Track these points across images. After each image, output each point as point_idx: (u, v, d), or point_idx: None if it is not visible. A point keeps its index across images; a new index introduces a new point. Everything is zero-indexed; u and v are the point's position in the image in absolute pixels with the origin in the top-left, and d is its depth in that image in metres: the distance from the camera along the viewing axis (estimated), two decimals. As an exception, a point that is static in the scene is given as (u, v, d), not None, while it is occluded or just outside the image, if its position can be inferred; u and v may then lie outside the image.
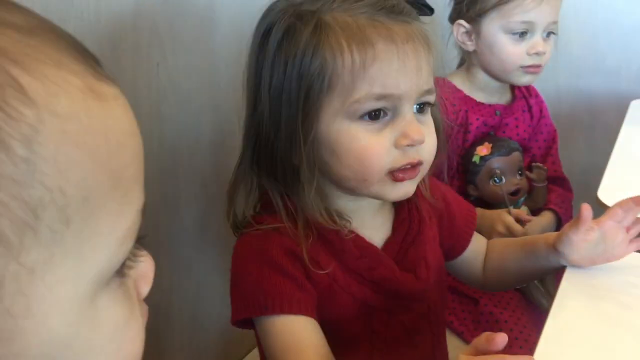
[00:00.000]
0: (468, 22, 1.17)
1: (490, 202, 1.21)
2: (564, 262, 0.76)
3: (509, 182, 1.19)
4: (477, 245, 0.86)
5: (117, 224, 0.30)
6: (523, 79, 1.20)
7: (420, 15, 0.70)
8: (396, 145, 0.65)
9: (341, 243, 0.70)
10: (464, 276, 0.89)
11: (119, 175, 0.30)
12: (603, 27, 1.62)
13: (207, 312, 1.08)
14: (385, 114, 0.65)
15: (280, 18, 0.66)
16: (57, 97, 0.27)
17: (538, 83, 1.68)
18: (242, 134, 0.71)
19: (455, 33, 1.19)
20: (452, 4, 1.22)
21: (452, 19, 1.21)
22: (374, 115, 0.64)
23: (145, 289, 0.35)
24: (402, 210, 0.76)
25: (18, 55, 0.27)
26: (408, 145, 0.65)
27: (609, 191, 1.00)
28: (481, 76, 1.23)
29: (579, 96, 1.69)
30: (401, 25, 0.65)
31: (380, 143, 0.65)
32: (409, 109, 0.66)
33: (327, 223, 0.68)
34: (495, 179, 1.18)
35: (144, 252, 0.34)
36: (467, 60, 1.25)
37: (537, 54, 1.16)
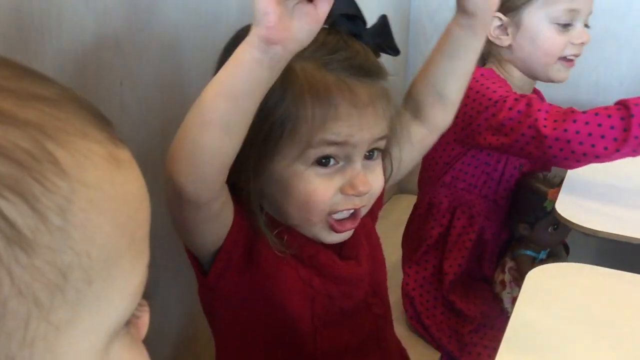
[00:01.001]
0: (504, 13, 1.11)
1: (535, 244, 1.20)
2: (473, 22, 0.75)
3: (564, 230, 1.15)
4: (410, 133, 0.84)
5: (130, 280, 0.32)
6: (562, 75, 1.17)
7: (347, 26, 0.70)
8: (342, 192, 0.70)
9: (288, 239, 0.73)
10: (434, 129, 0.86)
11: (134, 236, 0.32)
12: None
13: (173, 323, 1.08)
14: (337, 161, 0.69)
15: None
16: (85, 168, 0.30)
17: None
18: None
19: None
20: None
21: None
22: (325, 161, 0.69)
23: (144, 331, 0.37)
24: None
25: (51, 129, 0.29)
26: (353, 194, 0.70)
27: (567, 203, 1.03)
28: (517, 73, 1.18)
29: (540, 106, 1.73)
30: (366, 87, 0.68)
31: (328, 188, 0.69)
32: (358, 158, 0.70)
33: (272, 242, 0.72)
34: (555, 226, 1.14)
35: (144, 301, 0.36)
36: (494, 57, 1.18)
37: (582, 43, 1.14)
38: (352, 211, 0.72)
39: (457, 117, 1.06)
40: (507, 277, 1.23)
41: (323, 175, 0.69)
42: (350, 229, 0.73)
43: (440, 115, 0.84)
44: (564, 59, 1.15)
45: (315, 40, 0.62)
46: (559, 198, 1.03)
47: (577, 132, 0.95)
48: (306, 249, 0.74)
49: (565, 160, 0.98)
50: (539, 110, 0.98)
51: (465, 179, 1.19)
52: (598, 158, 0.96)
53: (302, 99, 0.66)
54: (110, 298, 0.31)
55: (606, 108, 0.96)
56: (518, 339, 0.71)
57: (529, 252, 1.21)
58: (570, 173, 1.10)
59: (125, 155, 0.33)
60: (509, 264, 1.22)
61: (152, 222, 0.35)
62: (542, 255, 1.22)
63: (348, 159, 0.69)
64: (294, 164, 0.68)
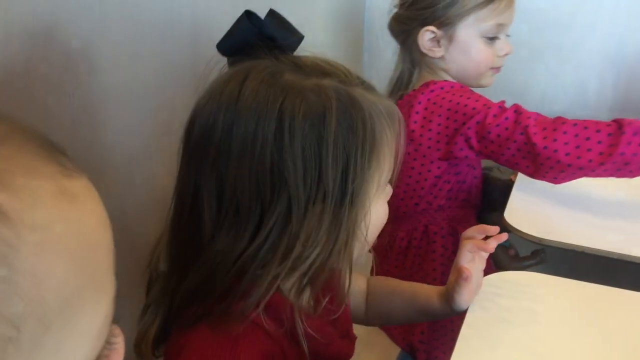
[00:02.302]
0: (438, 27, 1.15)
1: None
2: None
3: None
4: (356, 284, 0.89)
5: (94, 318, 0.30)
6: (490, 80, 1.22)
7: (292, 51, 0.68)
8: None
9: (304, 327, 0.64)
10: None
11: (95, 272, 0.30)
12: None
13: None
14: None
15: (324, 99, 0.60)
16: (32, 210, 0.28)
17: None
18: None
19: (420, 40, 1.16)
20: (410, 9, 1.18)
21: (412, 25, 1.17)
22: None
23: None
24: None
25: None
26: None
27: (515, 212, 1.06)
28: (451, 80, 1.20)
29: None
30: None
31: (386, 206, 0.70)
32: None
33: (310, 304, 0.68)
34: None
35: (118, 331, 0.34)
36: (426, 66, 1.21)
37: (506, 54, 1.18)
38: None
39: (438, 133, 1.10)
40: None
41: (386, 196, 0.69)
42: None
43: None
44: (494, 68, 1.21)
45: (337, 71, 0.63)
46: (507, 208, 1.06)
47: (566, 143, 0.97)
48: (323, 339, 0.67)
49: (550, 170, 1.00)
50: (528, 117, 1.01)
51: (458, 196, 1.21)
52: (582, 170, 0.98)
53: (382, 125, 0.63)
54: (73, 341, 0.29)
55: (596, 123, 0.98)
56: (470, 343, 0.73)
57: (501, 243, 1.24)
58: (518, 182, 1.13)
59: (79, 185, 0.31)
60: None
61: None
62: (507, 244, 1.26)
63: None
64: (377, 197, 0.66)
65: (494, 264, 1.23)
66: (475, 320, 0.79)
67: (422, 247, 1.22)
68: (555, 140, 0.97)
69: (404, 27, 1.20)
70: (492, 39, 1.16)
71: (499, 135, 1.02)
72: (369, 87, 0.65)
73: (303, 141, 0.58)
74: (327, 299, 0.67)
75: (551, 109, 1.74)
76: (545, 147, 0.97)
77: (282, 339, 0.63)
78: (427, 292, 0.87)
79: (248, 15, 0.65)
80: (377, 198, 0.65)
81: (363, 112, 0.60)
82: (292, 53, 0.66)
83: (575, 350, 0.73)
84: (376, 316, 0.91)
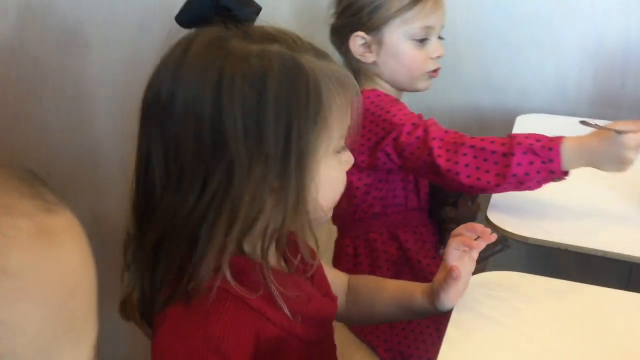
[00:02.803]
0: (367, 33, 1.15)
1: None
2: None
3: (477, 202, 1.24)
4: (337, 281, 0.88)
5: None
6: (426, 84, 1.21)
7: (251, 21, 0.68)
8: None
9: (282, 285, 0.65)
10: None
11: (74, 316, 0.29)
12: (488, 45, 1.70)
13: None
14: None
15: (266, 63, 0.61)
16: (7, 253, 0.26)
17: (432, 97, 1.75)
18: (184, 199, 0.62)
19: (352, 46, 1.16)
20: (340, 18, 1.18)
21: (344, 32, 1.17)
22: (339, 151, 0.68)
23: None
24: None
25: None
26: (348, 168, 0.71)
27: (498, 210, 1.05)
28: (386, 85, 1.21)
29: (470, 111, 1.77)
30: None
31: (343, 173, 0.70)
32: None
33: (281, 265, 0.68)
34: (472, 200, 1.22)
35: None
36: (362, 73, 1.21)
37: (439, 57, 1.18)
38: None
39: (361, 144, 1.10)
40: None
41: (338, 162, 0.68)
42: None
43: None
44: (429, 71, 1.20)
45: (288, 38, 0.64)
46: (489, 206, 1.05)
47: (466, 165, 0.98)
48: (302, 296, 0.69)
49: (457, 189, 1.02)
50: (433, 139, 1.02)
51: (393, 202, 1.20)
52: (483, 190, 1.00)
53: (331, 90, 0.64)
54: None
55: (492, 142, 0.99)
56: (456, 345, 0.72)
57: None
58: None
59: (60, 222, 0.29)
60: None
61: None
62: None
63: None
64: (326, 159, 0.66)
65: None
66: (461, 321, 0.78)
67: (367, 255, 1.22)
68: (456, 163, 0.99)
69: (338, 35, 1.20)
70: (422, 42, 1.16)
71: (412, 154, 1.04)
72: (321, 54, 0.66)
73: (242, 102, 0.59)
74: (298, 258, 0.69)
75: (531, 103, 1.74)
76: (448, 170, 0.99)
77: (261, 305, 0.64)
78: (411, 289, 0.86)
79: None
80: (327, 161, 0.66)
81: (307, 76, 0.61)
82: (251, 24, 0.66)
83: (561, 350, 0.73)
84: (358, 313, 0.89)
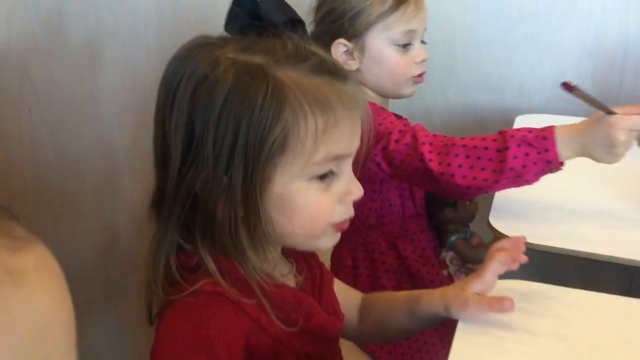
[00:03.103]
0: (348, 40, 1.12)
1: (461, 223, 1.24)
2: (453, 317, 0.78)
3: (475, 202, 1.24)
4: (350, 298, 0.87)
5: None
6: (411, 89, 1.19)
7: (293, 31, 0.67)
8: (340, 201, 0.67)
9: (281, 297, 0.66)
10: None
11: (50, 357, 0.27)
12: (485, 45, 1.69)
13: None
14: (332, 172, 0.65)
15: (223, 69, 0.60)
16: None
17: (431, 98, 1.74)
18: (155, 188, 0.65)
19: (334, 53, 1.13)
20: (320, 25, 1.16)
21: (324, 40, 1.14)
22: (324, 175, 0.64)
23: None
24: (297, 256, 0.75)
25: None
26: (351, 200, 0.68)
27: (500, 214, 1.04)
28: (371, 93, 1.18)
29: (468, 112, 1.75)
30: (348, 87, 0.64)
31: (330, 201, 0.66)
32: (348, 166, 0.67)
33: (272, 279, 0.66)
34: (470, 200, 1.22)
35: None
36: None
37: (423, 61, 1.15)
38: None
39: (357, 154, 1.07)
40: (451, 269, 1.24)
41: (321, 189, 0.65)
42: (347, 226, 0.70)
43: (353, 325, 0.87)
44: (414, 76, 1.17)
45: (280, 51, 0.61)
46: (491, 212, 1.03)
47: (460, 166, 0.96)
48: (302, 310, 0.68)
49: (453, 193, 0.99)
50: (423, 143, 0.99)
51: (390, 212, 1.18)
52: (480, 190, 0.97)
53: (302, 108, 0.61)
54: None
55: (483, 139, 0.97)
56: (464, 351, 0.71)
57: (460, 235, 1.24)
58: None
59: (30, 259, 0.27)
60: (448, 255, 1.24)
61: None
62: (468, 234, 1.26)
63: (339, 169, 0.66)
64: (295, 180, 0.63)
65: (459, 256, 1.22)
66: (468, 330, 0.76)
67: (366, 266, 1.20)
68: (449, 165, 0.96)
69: (319, 43, 1.17)
70: (405, 47, 1.13)
71: (402, 161, 1.01)
72: (326, 72, 0.64)
73: (187, 106, 0.61)
74: (303, 273, 0.71)
75: (530, 102, 1.73)
76: (442, 174, 0.97)
77: (257, 314, 0.63)
78: (417, 295, 0.82)
79: None
80: (298, 186, 0.63)
81: (266, 92, 0.59)
82: (289, 34, 0.66)
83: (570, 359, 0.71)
84: (371, 330, 0.86)
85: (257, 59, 0.62)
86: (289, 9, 0.66)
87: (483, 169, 0.96)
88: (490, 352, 0.73)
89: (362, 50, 1.13)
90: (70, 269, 0.96)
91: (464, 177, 0.96)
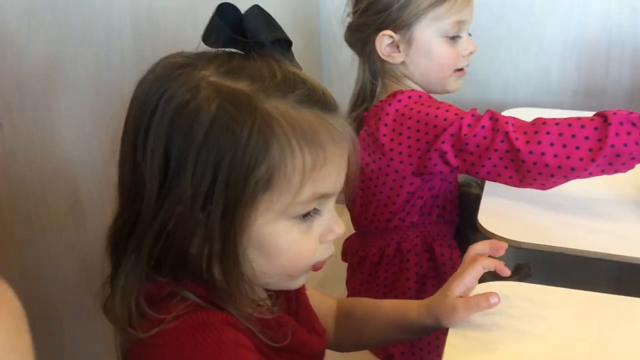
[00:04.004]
0: (395, 31, 1.08)
1: None
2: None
3: None
4: (325, 307, 0.85)
5: None
6: (456, 85, 1.15)
7: (281, 52, 0.62)
8: (321, 240, 0.63)
9: (261, 322, 0.62)
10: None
11: None
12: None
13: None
14: (316, 210, 0.61)
15: (205, 97, 0.55)
16: None
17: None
18: (120, 217, 0.61)
19: (378, 46, 1.09)
20: (362, 16, 1.11)
21: (366, 32, 1.11)
22: (306, 213, 0.60)
23: None
24: None
25: None
26: (332, 239, 0.64)
27: (488, 213, 1.02)
28: (416, 87, 1.14)
29: (454, 108, 1.74)
30: (337, 120, 0.60)
31: (311, 241, 0.62)
32: (331, 204, 0.63)
33: (259, 310, 0.63)
34: None
35: None
36: (389, 74, 1.14)
37: (470, 53, 1.12)
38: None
39: (408, 148, 1.02)
40: None
41: (303, 229, 0.61)
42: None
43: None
44: (457, 70, 1.14)
45: (268, 79, 0.56)
46: (480, 212, 1.02)
47: (552, 144, 0.91)
48: (284, 328, 0.66)
49: (539, 176, 0.93)
50: (506, 123, 0.94)
51: (432, 212, 1.14)
52: (574, 171, 0.91)
53: (290, 144, 0.56)
54: None
55: (579, 118, 0.92)
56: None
57: None
58: (487, 186, 1.09)
59: None
60: None
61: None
62: None
63: (322, 207, 0.62)
64: (276, 220, 0.59)
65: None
66: (460, 331, 0.74)
67: (395, 264, 1.16)
68: (539, 142, 0.91)
69: (359, 35, 1.13)
70: (453, 39, 1.09)
71: (477, 146, 0.95)
72: (315, 104, 0.58)
73: (165, 134, 0.56)
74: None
75: (515, 96, 1.72)
76: (530, 152, 0.91)
77: (247, 334, 0.60)
78: (405, 306, 0.82)
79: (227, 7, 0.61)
80: (278, 225, 0.59)
81: (252, 125, 0.54)
82: (273, 53, 0.60)
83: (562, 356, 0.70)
84: (351, 338, 0.86)
85: (243, 85, 0.57)
86: (276, 27, 0.61)
87: (578, 147, 0.90)
88: (482, 353, 0.72)
89: (409, 42, 1.09)
90: (50, 282, 0.93)
91: (555, 155, 0.91)
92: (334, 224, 0.63)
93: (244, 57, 0.60)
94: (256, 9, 0.61)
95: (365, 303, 0.88)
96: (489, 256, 0.78)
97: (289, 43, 0.62)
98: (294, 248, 0.61)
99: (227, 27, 0.60)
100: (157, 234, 0.58)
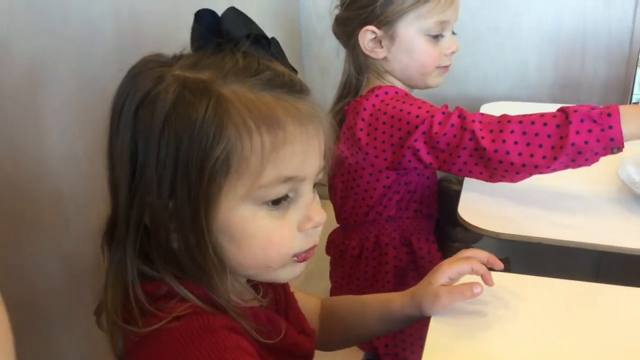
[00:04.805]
0: (378, 27, 1.10)
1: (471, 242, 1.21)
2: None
3: None
4: (309, 306, 0.85)
5: None
6: (438, 80, 1.17)
7: (262, 49, 0.63)
8: (300, 229, 0.62)
9: (254, 317, 0.63)
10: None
11: None
12: (449, 35, 1.69)
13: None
14: (287, 197, 0.61)
15: (165, 86, 0.57)
16: None
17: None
18: (110, 212, 0.62)
19: (361, 41, 1.10)
20: (348, 10, 1.13)
21: (351, 26, 1.12)
22: (277, 200, 0.60)
23: None
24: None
25: None
26: (312, 227, 0.63)
27: (468, 205, 1.04)
28: (397, 82, 1.15)
29: (433, 102, 1.74)
30: (302, 103, 0.60)
31: (285, 229, 0.61)
32: (308, 190, 0.63)
33: (245, 299, 0.64)
34: None
35: None
36: (371, 69, 1.16)
37: (453, 52, 1.13)
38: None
39: (383, 143, 1.04)
40: None
41: (276, 216, 0.60)
42: (310, 257, 0.66)
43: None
44: (441, 67, 1.15)
45: (229, 66, 0.58)
46: (460, 203, 1.03)
47: (516, 143, 0.93)
48: (277, 330, 0.66)
49: (505, 173, 0.95)
50: (473, 121, 0.95)
51: (409, 207, 1.16)
52: (537, 168, 0.93)
53: (246, 124, 0.56)
54: None
55: (542, 115, 0.94)
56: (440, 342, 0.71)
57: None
58: (467, 180, 1.11)
59: None
60: None
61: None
62: None
63: (297, 192, 0.62)
64: (242, 204, 0.58)
65: None
66: (443, 317, 0.76)
67: (374, 257, 1.18)
68: (504, 141, 0.93)
69: (344, 28, 1.14)
70: (436, 37, 1.11)
71: (448, 144, 0.97)
72: (283, 87, 0.60)
73: (131, 127, 0.58)
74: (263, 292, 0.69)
75: (494, 90, 1.74)
76: (495, 151, 0.93)
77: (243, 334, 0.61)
78: (388, 297, 0.83)
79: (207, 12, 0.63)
80: (245, 210, 0.59)
81: (206, 108, 0.56)
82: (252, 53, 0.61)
83: (546, 348, 0.71)
84: (337, 336, 0.87)
85: (204, 75, 0.58)
86: (251, 24, 0.63)
87: (541, 145, 0.92)
88: (464, 339, 0.73)
89: (391, 38, 1.10)
90: (34, 281, 0.93)
91: (519, 154, 0.92)
92: (313, 212, 0.63)
93: (215, 53, 0.61)
94: (232, 10, 0.62)
95: (348, 300, 0.89)
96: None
97: (265, 39, 0.63)
98: (265, 235, 0.60)
99: (206, 31, 0.62)
100: (136, 227, 0.59)
